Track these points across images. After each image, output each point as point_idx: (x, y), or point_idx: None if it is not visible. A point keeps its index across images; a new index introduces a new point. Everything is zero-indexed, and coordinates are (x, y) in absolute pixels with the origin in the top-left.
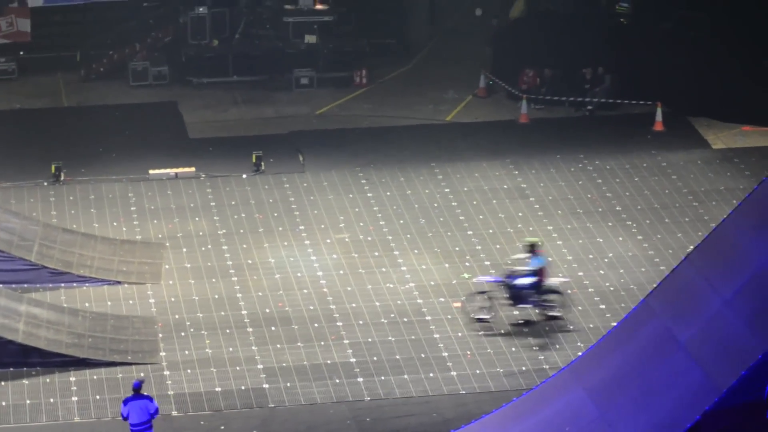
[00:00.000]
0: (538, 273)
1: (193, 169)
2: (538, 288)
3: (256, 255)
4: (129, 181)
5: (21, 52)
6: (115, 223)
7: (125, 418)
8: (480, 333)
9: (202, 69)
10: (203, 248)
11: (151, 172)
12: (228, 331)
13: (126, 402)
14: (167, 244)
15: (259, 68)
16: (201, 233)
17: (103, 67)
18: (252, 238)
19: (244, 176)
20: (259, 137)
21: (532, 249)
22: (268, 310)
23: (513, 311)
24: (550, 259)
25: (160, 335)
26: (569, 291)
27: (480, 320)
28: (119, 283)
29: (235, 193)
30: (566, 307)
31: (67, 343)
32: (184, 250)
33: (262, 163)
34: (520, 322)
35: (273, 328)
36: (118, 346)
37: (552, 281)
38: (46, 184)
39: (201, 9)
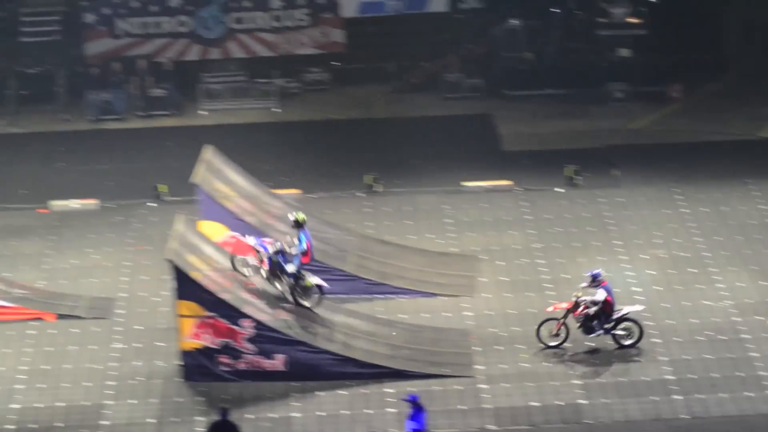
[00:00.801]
0: (304, 253)
1: (509, 182)
2: (298, 275)
3: (571, 269)
4: (443, 193)
5: (335, 63)
6: (429, 235)
7: None
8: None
9: (516, 81)
10: (519, 262)
11: (464, 184)
12: (543, 345)
13: (417, 419)
14: (483, 257)
15: (572, 81)
16: (516, 246)
17: (416, 79)
18: (567, 252)
19: (559, 190)
20: (573, 151)
21: (298, 225)
22: None
23: (274, 283)
24: None
25: (476, 348)
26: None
27: (240, 273)
28: (434, 295)
29: (550, 206)
30: (317, 303)
31: (384, 354)
32: (500, 263)
33: (578, 177)
34: (280, 295)
35: (590, 343)
36: (434, 358)
37: (313, 279)
38: (361, 195)
39: (514, 21)
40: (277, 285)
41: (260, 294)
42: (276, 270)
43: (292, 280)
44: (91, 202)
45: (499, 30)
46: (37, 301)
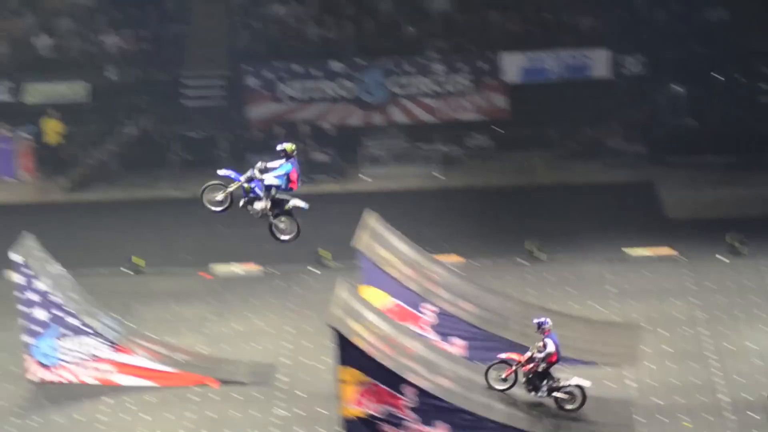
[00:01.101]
0: (289, 176)
1: (672, 250)
2: (277, 200)
3: (735, 340)
4: (605, 261)
5: (497, 128)
6: (592, 303)
7: None
8: None
9: (678, 148)
10: (682, 331)
11: (627, 252)
12: (708, 417)
13: None
14: (645, 326)
15: (734, 147)
16: (679, 316)
17: (578, 145)
18: (731, 322)
19: (723, 258)
20: (736, 218)
21: (287, 155)
22: (748, 397)
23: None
24: None
25: (638, 419)
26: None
27: (214, 211)
28: (594, 363)
29: (713, 275)
30: (293, 234)
31: (547, 423)
32: (663, 332)
33: (741, 245)
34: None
35: (754, 416)
36: (596, 428)
37: (295, 202)
38: (523, 262)
39: (676, 87)
40: (256, 209)
41: (421, 360)
42: (252, 198)
43: (269, 198)
44: (253, 268)
45: (662, 96)
46: (199, 366)
